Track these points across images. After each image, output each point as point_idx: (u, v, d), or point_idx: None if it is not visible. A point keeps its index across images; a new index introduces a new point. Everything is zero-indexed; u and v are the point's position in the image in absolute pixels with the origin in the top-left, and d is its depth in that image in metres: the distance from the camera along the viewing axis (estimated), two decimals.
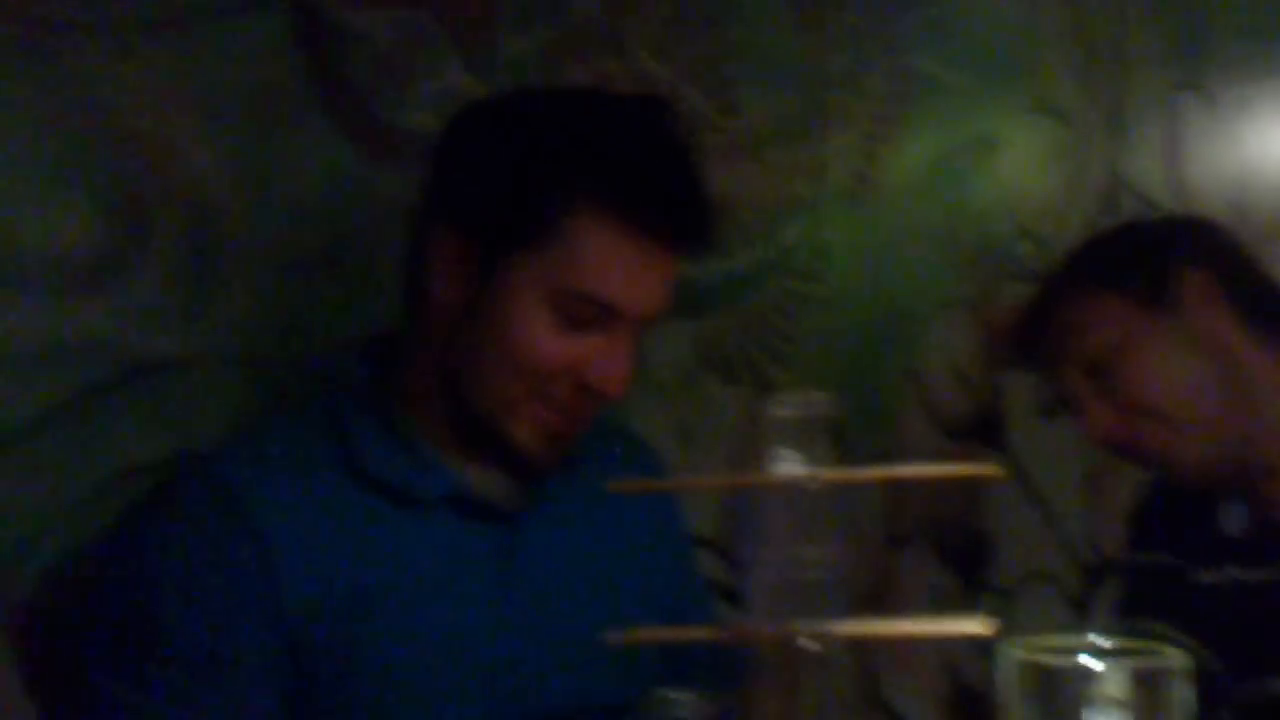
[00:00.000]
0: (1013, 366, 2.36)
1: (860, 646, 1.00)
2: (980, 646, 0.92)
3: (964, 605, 2.23)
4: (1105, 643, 0.86)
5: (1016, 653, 0.88)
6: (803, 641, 0.95)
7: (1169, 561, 1.47)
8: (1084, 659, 0.85)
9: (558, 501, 1.32)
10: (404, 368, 1.29)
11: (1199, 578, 1.43)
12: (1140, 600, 1.15)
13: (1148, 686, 0.83)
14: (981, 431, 2.29)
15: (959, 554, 2.21)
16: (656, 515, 1.42)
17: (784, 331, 1.99)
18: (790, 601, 0.94)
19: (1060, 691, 0.85)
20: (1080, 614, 2.45)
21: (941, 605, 2.16)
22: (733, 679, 0.98)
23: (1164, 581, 1.45)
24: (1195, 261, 1.38)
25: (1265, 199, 2.96)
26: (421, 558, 1.25)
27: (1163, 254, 1.38)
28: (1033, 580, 2.33)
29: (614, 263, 1.19)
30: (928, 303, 2.23)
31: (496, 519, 1.28)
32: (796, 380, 1.97)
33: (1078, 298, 1.41)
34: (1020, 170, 2.40)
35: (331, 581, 1.21)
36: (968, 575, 2.23)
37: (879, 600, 2.10)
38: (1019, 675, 0.86)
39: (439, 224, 1.25)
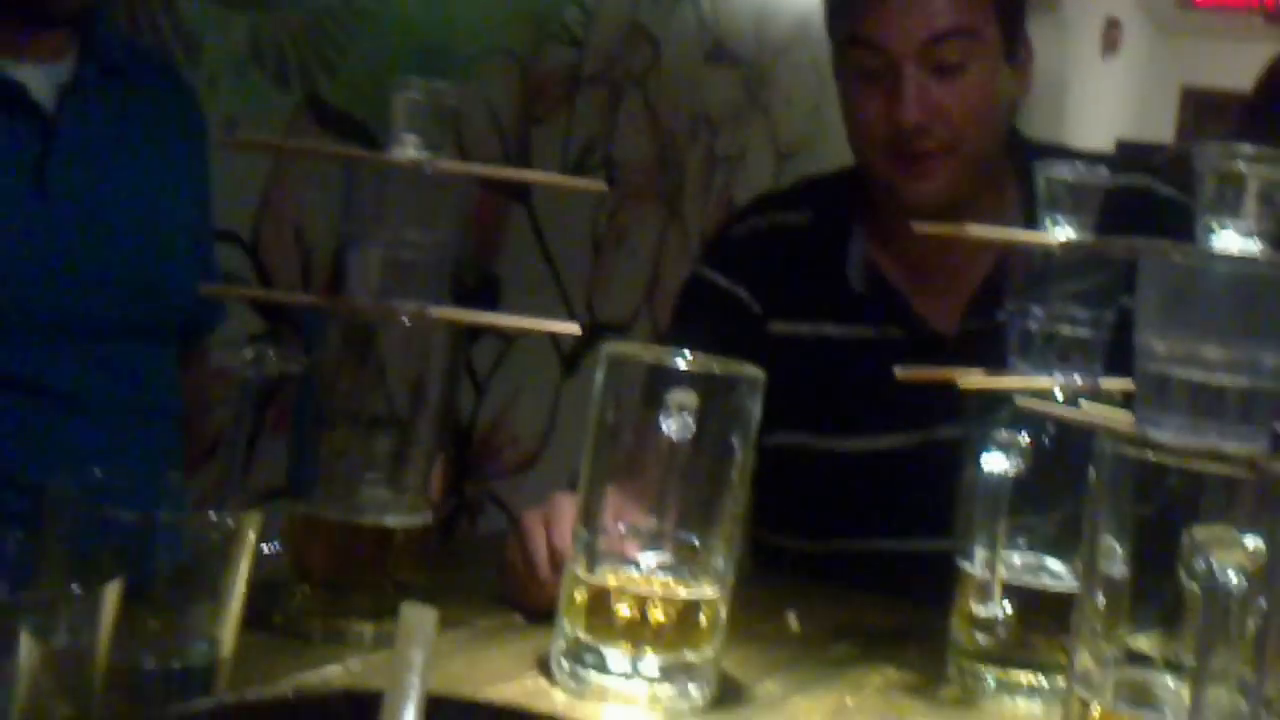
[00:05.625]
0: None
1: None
2: None
3: (470, 347, 2.32)
4: (686, 359, 0.94)
5: (612, 349, 0.95)
6: (402, 319, 0.99)
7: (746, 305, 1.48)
8: (667, 360, 0.94)
9: (94, 110, 1.32)
10: None
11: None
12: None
13: (715, 395, 0.92)
14: (508, 184, 2.37)
15: (468, 294, 2.29)
16: (191, 146, 1.45)
17: (338, 43, 1.98)
18: (392, 280, 0.98)
19: (643, 388, 0.93)
20: (570, 372, 2.60)
21: None
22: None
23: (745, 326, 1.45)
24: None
25: (785, 6, 3.16)
26: None
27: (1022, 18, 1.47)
28: (533, 336, 2.44)
29: None
30: (476, 47, 2.27)
31: (34, 117, 1.28)
32: (341, 93, 1.98)
33: None
34: None
35: None
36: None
37: None
38: (608, 370, 0.94)
39: None
